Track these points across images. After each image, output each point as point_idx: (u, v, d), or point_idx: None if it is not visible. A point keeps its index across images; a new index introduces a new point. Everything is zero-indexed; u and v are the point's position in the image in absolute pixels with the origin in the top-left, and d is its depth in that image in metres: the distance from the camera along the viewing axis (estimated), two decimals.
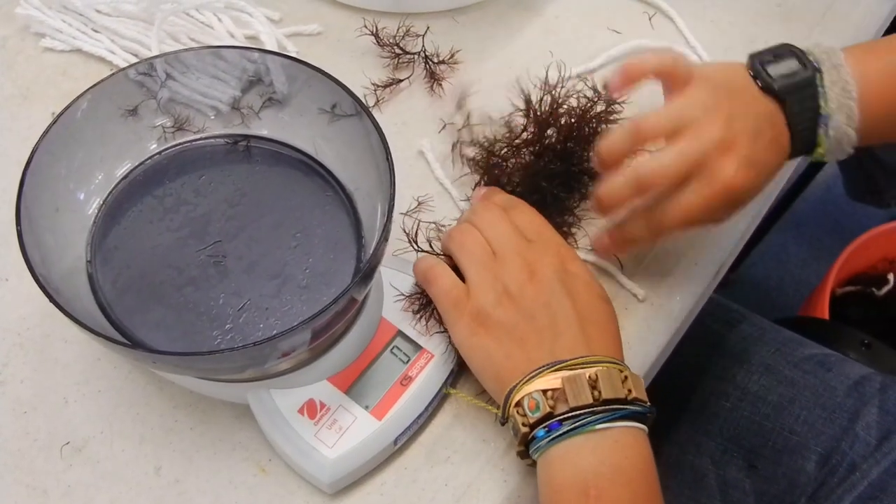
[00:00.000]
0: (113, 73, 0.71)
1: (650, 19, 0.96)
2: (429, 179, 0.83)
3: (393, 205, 0.64)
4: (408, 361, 0.70)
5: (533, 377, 0.63)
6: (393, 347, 0.71)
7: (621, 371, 0.63)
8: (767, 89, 0.72)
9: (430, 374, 0.70)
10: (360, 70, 0.89)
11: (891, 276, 1.55)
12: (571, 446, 0.62)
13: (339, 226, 0.72)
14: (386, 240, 0.64)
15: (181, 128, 0.78)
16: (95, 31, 0.90)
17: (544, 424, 0.62)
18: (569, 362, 0.63)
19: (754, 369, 0.98)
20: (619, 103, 0.78)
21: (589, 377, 0.62)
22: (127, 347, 0.60)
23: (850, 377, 0.96)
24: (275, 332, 0.64)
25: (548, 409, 0.62)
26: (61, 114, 0.67)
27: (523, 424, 0.63)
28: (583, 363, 0.63)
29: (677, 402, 0.98)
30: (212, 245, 0.71)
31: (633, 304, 0.77)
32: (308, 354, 0.67)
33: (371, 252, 0.65)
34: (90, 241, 0.70)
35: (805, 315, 1.34)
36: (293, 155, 0.76)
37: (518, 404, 0.63)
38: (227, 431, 0.69)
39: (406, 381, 0.69)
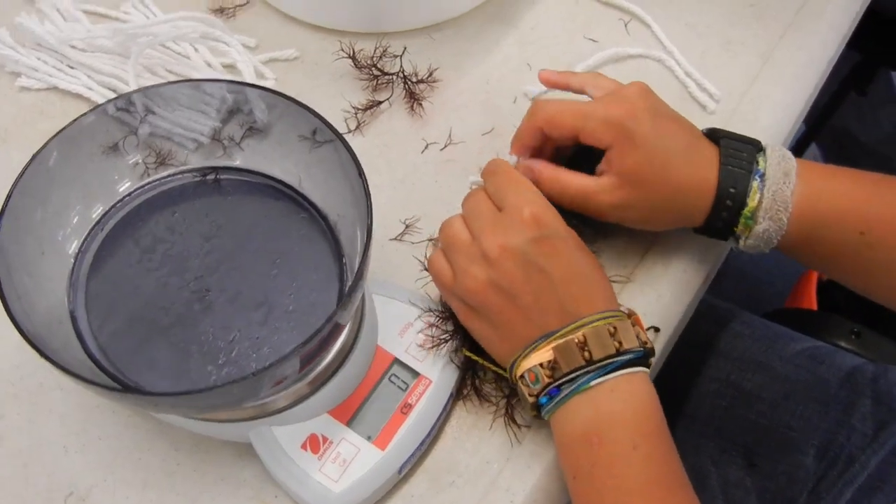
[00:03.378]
0: (88, 111, 0.70)
1: (626, 26, 0.96)
2: (414, 201, 0.82)
3: (371, 226, 0.64)
4: (406, 388, 0.70)
5: (528, 353, 0.65)
6: (391, 375, 0.71)
7: (610, 323, 0.64)
8: (710, 134, 0.75)
9: (429, 399, 0.70)
10: (339, 94, 0.89)
11: None
12: (572, 405, 0.64)
13: (319, 250, 0.72)
14: (366, 262, 0.63)
15: (163, 162, 0.78)
16: (71, 68, 0.90)
17: (545, 392, 0.64)
18: (558, 333, 0.64)
19: (747, 367, 0.98)
20: None
21: (577, 341, 0.63)
22: (118, 392, 0.59)
23: (842, 369, 0.97)
24: (268, 361, 0.64)
25: (546, 380, 0.64)
26: (35, 156, 0.66)
27: (529, 395, 0.65)
28: (571, 329, 0.64)
29: (673, 405, 0.98)
30: (194, 280, 0.70)
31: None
32: (307, 388, 0.67)
33: (354, 273, 0.65)
34: (71, 286, 0.70)
35: (793, 306, 1.35)
36: (268, 184, 0.76)
37: (521, 378, 0.66)
38: (230, 471, 0.69)
39: (406, 408, 0.69)
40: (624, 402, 0.63)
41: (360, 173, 0.67)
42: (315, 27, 0.94)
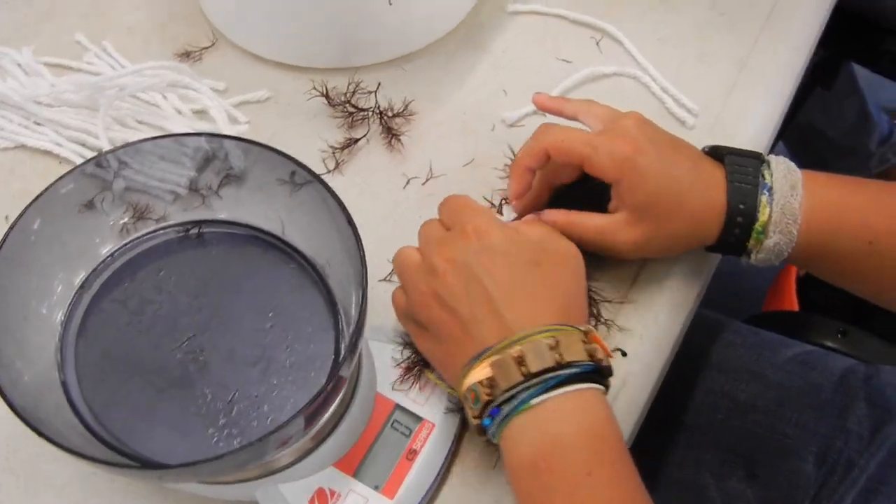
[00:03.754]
0: (66, 175, 0.69)
1: (598, 44, 0.95)
2: (399, 238, 0.81)
3: (366, 273, 0.63)
4: (410, 434, 0.69)
5: (468, 371, 0.62)
6: (393, 422, 0.70)
7: (552, 336, 0.61)
8: (712, 152, 0.75)
9: (434, 443, 0.69)
10: (314, 133, 0.88)
11: None
12: (516, 427, 0.60)
13: (311, 300, 0.71)
14: (364, 315, 0.62)
15: (141, 217, 0.76)
16: (38, 125, 0.88)
17: (486, 413, 0.61)
18: (494, 347, 0.61)
19: (740, 377, 0.98)
20: None
21: (514, 356, 0.60)
22: (118, 467, 0.58)
23: (834, 373, 0.97)
24: (269, 419, 0.63)
25: (486, 398, 0.61)
26: (13, 226, 0.65)
27: (473, 417, 0.62)
28: (508, 343, 0.61)
29: (669, 421, 0.97)
30: (186, 340, 0.69)
31: (629, 341, 0.76)
32: (311, 443, 0.66)
33: (353, 325, 0.64)
34: (60, 354, 0.68)
35: (775, 308, 1.35)
36: (252, 234, 0.75)
37: (465, 398, 0.63)
38: None
39: (412, 455, 0.68)
40: (574, 424, 0.60)
41: (350, 221, 0.66)
42: (285, 66, 0.92)
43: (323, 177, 0.77)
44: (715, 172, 0.72)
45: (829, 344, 1.13)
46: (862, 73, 1.65)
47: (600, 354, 0.62)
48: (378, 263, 0.78)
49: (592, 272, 0.77)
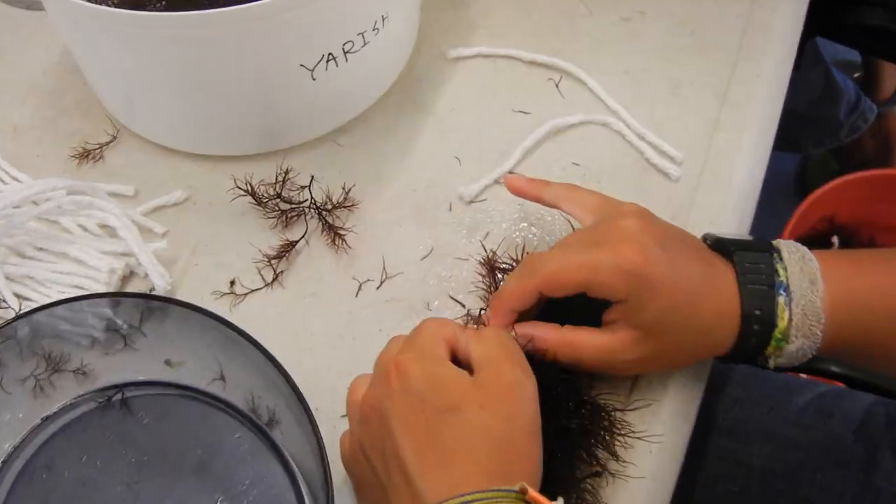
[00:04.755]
0: None
1: (557, 86, 0.83)
2: (359, 359, 0.69)
3: (319, 438, 0.54)
4: None
5: None
6: None
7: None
8: (716, 243, 0.65)
9: None
10: (244, 238, 0.75)
11: (835, 239, 1.48)
12: None
13: (265, 470, 0.61)
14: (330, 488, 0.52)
15: (57, 369, 0.65)
16: None
17: None
18: None
19: (753, 440, 0.88)
20: None
21: None
22: None
23: (853, 419, 0.87)
24: None
25: None
26: None
27: None
28: None
29: (681, 498, 0.87)
30: None
31: (640, 451, 0.65)
32: None
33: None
34: None
35: None
36: (185, 394, 0.63)
37: None
38: None
39: None
40: None
41: (301, 399, 0.54)
42: (198, 157, 0.79)
43: (262, 292, 0.65)
44: (726, 274, 0.62)
45: (834, 369, 1.02)
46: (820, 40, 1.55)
47: None
48: (340, 396, 0.66)
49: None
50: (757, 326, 0.60)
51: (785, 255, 0.62)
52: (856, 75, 1.84)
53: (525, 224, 0.76)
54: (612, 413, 0.64)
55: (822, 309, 0.60)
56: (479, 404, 0.53)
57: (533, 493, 0.49)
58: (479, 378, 0.55)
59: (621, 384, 0.68)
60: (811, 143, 1.72)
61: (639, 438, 0.64)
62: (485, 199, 0.77)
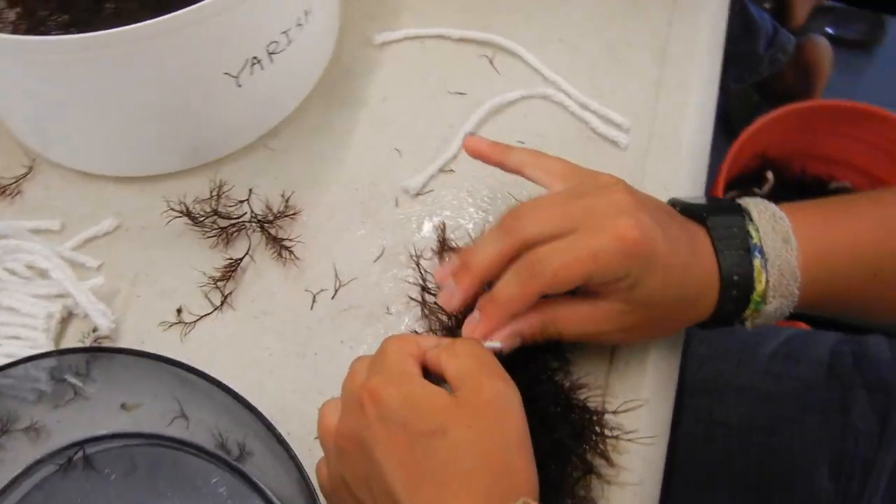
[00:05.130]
0: None
1: (491, 62, 0.79)
2: (324, 376, 0.66)
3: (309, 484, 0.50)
4: None
5: None
6: None
7: None
8: (686, 208, 0.62)
9: None
10: (185, 262, 0.71)
11: (769, 174, 1.48)
12: None
13: None
14: None
15: (5, 430, 0.61)
16: None
17: None
18: None
19: (726, 397, 0.87)
20: None
21: None
22: None
23: (820, 361, 0.87)
24: None
25: None
26: None
27: None
28: None
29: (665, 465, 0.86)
30: None
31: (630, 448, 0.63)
32: None
33: None
34: None
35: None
36: (151, 443, 0.59)
37: None
38: None
39: None
40: None
41: (272, 430, 0.50)
42: (126, 179, 0.74)
43: (211, 316, 0.64)
44: (703, 240, 0.59)
45: None
46: None
47: None
48: (310, 419, 0.63)
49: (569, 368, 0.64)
50: (735, 292, 0.58)
51: (755, 215, 0.60)
52: (767, 5, 1.83)
53: (473, 209, 0.73)
54: (601, 416, 0.61)
55: (798, 267, 0.59)
56: (466, 424, 0.50)
57: None
58: (461, 396, 0.51)
59: (599, 364, 0.65)
60: (732, 79, 1.71)
61: (630, 441, 0.62)
62: (431, 190, 0.74)
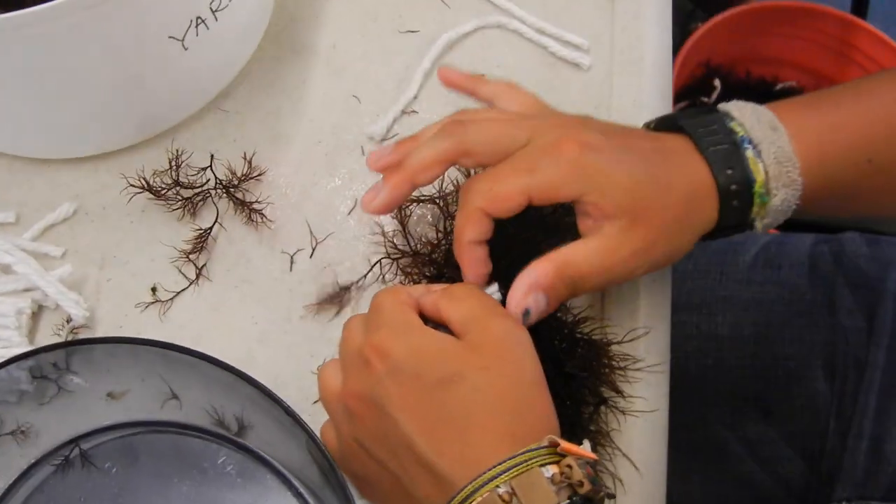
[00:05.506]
0: None
1: None
2: (313, 339, 0.65)
3: (308, 430, 0.51)
4: None
5: None
6: None
7: (506, 481, 0.45)
8: (661, 121, 0.60)
9: None
10: (153, 238, 0.68)
11: (716, 82, 1.47)
12: None
13: (260, 482, 0.55)
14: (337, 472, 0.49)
15: None
16: None
17: None
18: None
19: (712, 309, 0.86)
20: None
21: None
22: None
23: (801, 263, 0.87)
24: None
25: None
26: None
27: None
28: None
29: None
30: None
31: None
32: None
33: None
34: None
35: None
36: (150, 430, 0.56)
37: None
38: None
39: None
40: None
41: (272, 397, 0.48)
42: (79, 160, 0.71)
43: (189, 291, 0.65)
44: (681, 144, 0.57)
45: None
46: None
47: (578, 475, 0.45)
48: (309, 384, 0.61)
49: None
50: (734, 186, 0.55)
51: (735, 113, 0.58)
52: None
53: None
54: (608, 346, 0.60)
55: (794, 153, 0.56)
56: (480, 366, 0.49)
57: (565, 444, 0.46)
58: (470, 339, 0.50)
59: (593, 297, 0.64)
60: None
61: (638, 370, 0.60)
62: (396, 134, 0.71)
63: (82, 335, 0.65)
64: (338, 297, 0.65)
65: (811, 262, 0.86)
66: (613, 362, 0.59)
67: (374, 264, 0.65)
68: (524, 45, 0.74)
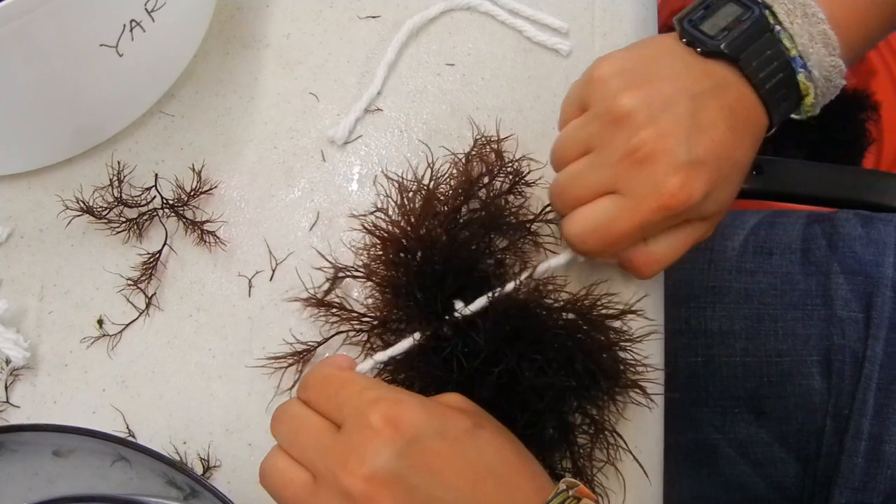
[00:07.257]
0: None
1: None
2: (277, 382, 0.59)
3: None
4: None
5: None
6: None
7: None
8: (711, 53, 0.55)
9: None
10: (96, 264, 0.62)
11: None
12: None
13: None
14: None
15: None
16: None
17: None
18: None
19: (701, 301, 0.82)
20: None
21: None
22: None
23: (793, 248, 0.82)
24: None
25: None
26: None
27: None
28: None
29: None
30: None
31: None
32: None
33: None
34: None
35: None
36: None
37: None
38: None
39: None
40: None
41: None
42: (9, 178, 0.64)
43: (139, 323, 0.60)
44: (732, 76, 0.55)
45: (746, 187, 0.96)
46: None
47: None
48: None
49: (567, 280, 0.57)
50: (784, 106, 0.56)
51: (782, 16, 0.55)
52: None
53: (410, 150, 0.65)
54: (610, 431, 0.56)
55: (841, 57, 0.56)
56: (485, 419, 0.49)
57: (583, 487, 0.45)
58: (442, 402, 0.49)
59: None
60: None
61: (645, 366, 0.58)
62: (360, 136, 0.65)
63: (23, 377, 0.59)
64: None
65: (804, 246, 0.81)
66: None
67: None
68: (497, 29, 0.68)
